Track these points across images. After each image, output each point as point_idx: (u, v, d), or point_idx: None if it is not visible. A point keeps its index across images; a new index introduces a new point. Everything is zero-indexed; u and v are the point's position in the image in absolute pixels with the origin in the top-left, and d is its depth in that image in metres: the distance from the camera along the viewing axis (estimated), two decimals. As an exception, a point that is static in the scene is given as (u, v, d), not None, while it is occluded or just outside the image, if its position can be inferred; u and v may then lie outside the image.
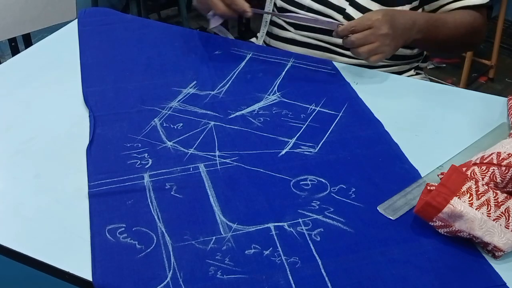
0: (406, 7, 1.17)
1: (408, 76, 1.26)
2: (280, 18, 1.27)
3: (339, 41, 1.20)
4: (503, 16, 2.52)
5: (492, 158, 0.79)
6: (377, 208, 0.80)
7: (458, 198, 0.74)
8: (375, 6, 1.15)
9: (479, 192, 0.74)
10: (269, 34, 1.31)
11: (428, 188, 0.78)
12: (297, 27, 1.24)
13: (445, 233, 0.75)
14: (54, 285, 0.76)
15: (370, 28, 1.01)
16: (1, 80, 1.09)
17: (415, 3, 1.18)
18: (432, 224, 0.76)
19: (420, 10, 1.21)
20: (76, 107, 1.00)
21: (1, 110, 1.00)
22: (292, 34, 1.25)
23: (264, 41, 1.32)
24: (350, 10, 1.17)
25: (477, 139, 0.93)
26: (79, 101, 1.02)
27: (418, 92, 1.06)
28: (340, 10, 1.18)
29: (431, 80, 1.24)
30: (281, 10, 1.26)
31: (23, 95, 1.04)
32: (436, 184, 0.77)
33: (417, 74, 1.29)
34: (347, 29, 1.03)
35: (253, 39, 1.39)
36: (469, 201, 0.74)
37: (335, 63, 1.14)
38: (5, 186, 0.85)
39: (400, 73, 1.24)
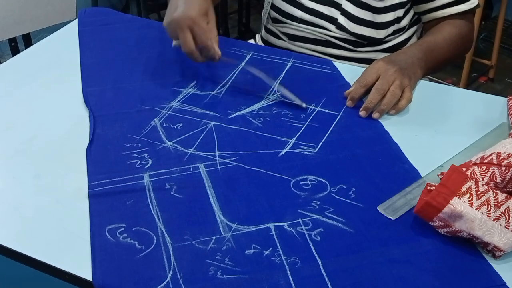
0: (399, 12, 1.17)
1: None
2: (275, 27, 1.27)
3: (332, 51, 1.20)
4: (503, 16, 2.52)
5: (492, 158, 0.79)
6: (377, 208, 0.80)
7: (458, 198, 0.74)
8: (366, 15, 1.16)
9: (479, 192, 0.74)
10: (265, 41, 1.32)
11: (428, 188, 0.78)
12: (291, 37, 1.24)
13: (445, 233, 0.75)
14: (54, 285, 0.76)
15: (379, 74, 1.00)
16: (1, 80, 1.09)
17: (402, 10, 1.18)
18: (432, 224, 0.76)
19: (409, 15, 1.21)
20: (76, 107, 1.00)
21: (1, 110, 1.00)
22: (286, 43, 1.25)
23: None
24: (342, 20, 1.17)
25: (477, 139, 0.93)
26: (79, 101, 1.02)
27: (418, 92, 1.06)
28: (332, 20, 1.18)
29: (431, 80, 1.24)
30: (275, 20, 1.27)
31: (23, 95, 1.04)
32: (436, 184, 0.77)
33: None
34: (360, 86, 1.00)
35: (252, 40, 1.39)
36: (469, 201, 0.73)
37: (335, 63, 1.14)
38: (5, 186, 0.85)
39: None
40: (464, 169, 0.79)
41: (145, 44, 1.19)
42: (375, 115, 0.98)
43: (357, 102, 1.00)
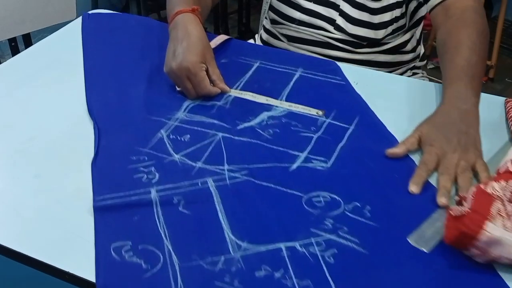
0: (397, 12, 1.16)
1: (406, 76, 1.26)
2: (274, 29, 1.27)
3: (331, 53, 1.20)
4: (503, 16, 2.52)
5: (507, 167, 0.77)
6: (408, 240, 0.75)
7: (491, 222, 0.69)
8: (363, 16, 1.16)
9: (509, 213, 0.70)
10: (264, 42, 1.32)
11: (452, 213, 0.72)
12: (290, 39, 1.24)
13: (482, 262, 0.71)
14: (54, 285, 0.76)
15: (439, 157, 0.87)
16: (1, 80, 1.08)
17: (399, 10, 1.17)
18: (467, 253, 0.71)
19: (407, 14, 1.20)
20: (76, 107, 1.00)
21: (1, 110, 1.00)
22: (285, 45, 1.25)
23: None
24: (340, 21, 1.17)
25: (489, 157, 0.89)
26: (79, 101, 1.02)
27: (418, 92, 1.06)
28: (331, 21, 1.18)
29: (431, 80, 1.23)
30: (273, 22, 1.26)
31: (23, 95, 1.04)
32: (460, 208, 0.72)
33: (413, 74, 1.29)
34: (424, 171, 0.86)
35: (251, 40, 1.39)
36: (503, 224, 0.69)
37: (337, 62, 1.13)
38: (5, 186, 0.85)
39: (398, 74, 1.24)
40: (482, 186, 0.74)
41: (151, 51, 1.14)
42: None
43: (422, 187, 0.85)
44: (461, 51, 1.00)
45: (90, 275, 0.70)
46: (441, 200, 0.81)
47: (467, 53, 0.99)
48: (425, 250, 0.73)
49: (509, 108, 0.99)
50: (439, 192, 0.83)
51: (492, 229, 0.69)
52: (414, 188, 0.84)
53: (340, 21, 1.17)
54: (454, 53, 1.00)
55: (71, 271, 0.71)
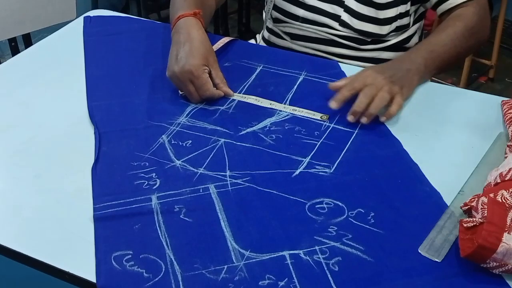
0: (402, 8, 1.17)
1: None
2: (277, 27, 1.27)
3: (335, 50, 1.20)
4: (503, 16, 2.52)
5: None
6: (419, 251, 0.73)
7: (508, 233, 0.68)
8: (369, 11, 1.16)
9: None
10: (267, 41, 1.32)
11: (465, 225, 0.71)
12: (293, 37, 1.24)
13: (500, 273, 0.69)
14: (54, 285, 0.76)
15: (367, 81, 0.96)
16: (1, 80, 1.09)
17: (404, 6, 1.17)
18: (484, 265, 0.70)
19: (412, 11, 1.20)
20: (76, 107, 1.00)
21: (1, 110, 1.00)
22: (288, 43, 1.25)
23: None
24: (345, 17, 1.17)
25: (482, 156, 0.89)
26: (79, 101, 1.02)
27: (418, 92, 1.06)
28: (335, 17, 1.18)
29: (431, 80, 1.23)
30: (276, 20, 1.26)
31: (23, 95, 1.04)
32: (472, 220, 0.71)
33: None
34: (347, 90, 0.95)
35: (252, 40, 1.39)
36: None
37: (340, 64, 1.12)
38: (5, 186, 0.85)
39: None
40: (491, 194, 0.74)
41: (153, 55, 1.13)
42: (363, 119, 0.94)
43: (341, 105, 0.95)
44: (439, 34, 1.09)
45: (90, 275, 0.70)
46: (349, 117, 0.95)
47: (441, 37, 1.08)
48: (437, 260, 0.72)
49: (506, 110, 0.98)
50: (352, 108, 0.94)
51: (508, 240, 0.67)
52: (333, 104, 0.95)
53: (345, 16, 1.17)
54: (432, 34, 1.10)
55: (71, 271, 0.71)
